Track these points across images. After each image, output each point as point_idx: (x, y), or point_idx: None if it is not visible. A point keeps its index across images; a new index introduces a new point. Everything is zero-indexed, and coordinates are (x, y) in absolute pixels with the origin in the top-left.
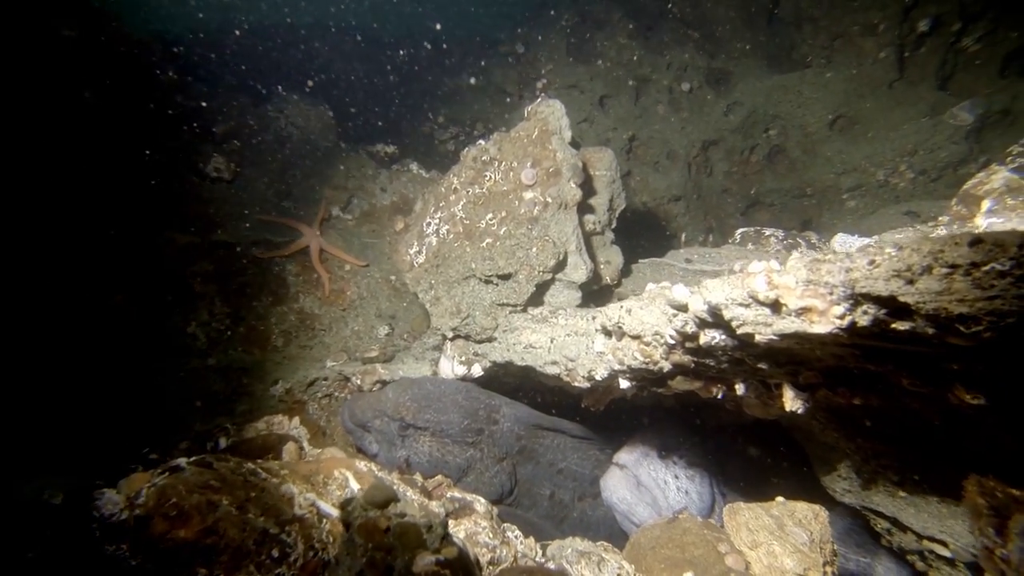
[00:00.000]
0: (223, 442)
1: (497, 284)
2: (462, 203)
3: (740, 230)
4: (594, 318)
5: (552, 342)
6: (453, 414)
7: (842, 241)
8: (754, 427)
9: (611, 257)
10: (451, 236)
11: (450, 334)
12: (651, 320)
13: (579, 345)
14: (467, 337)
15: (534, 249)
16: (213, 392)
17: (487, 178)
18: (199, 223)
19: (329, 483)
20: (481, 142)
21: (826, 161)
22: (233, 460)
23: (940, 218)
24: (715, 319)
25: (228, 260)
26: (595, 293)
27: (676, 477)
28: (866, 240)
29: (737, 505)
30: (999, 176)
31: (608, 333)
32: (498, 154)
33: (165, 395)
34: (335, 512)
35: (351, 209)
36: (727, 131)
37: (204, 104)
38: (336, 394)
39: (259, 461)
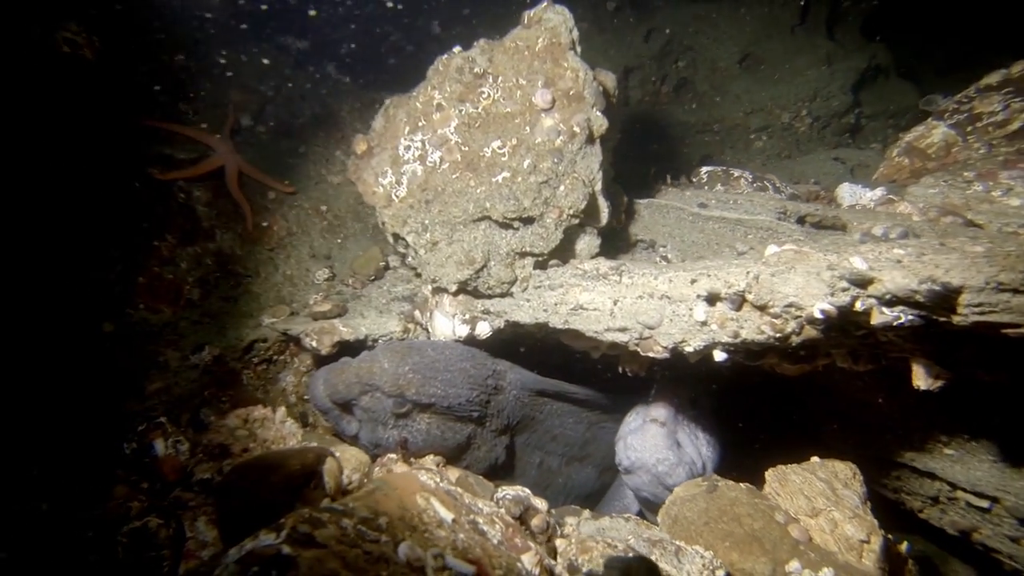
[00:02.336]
0: (161, 447)
1: (518, 229)
2: (453, 124)
3: (706, 169)
4: (693, 281)
5: (616, 305)
6: (462, 386)
7: (851, 191)
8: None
9: (617, 197)
10: (446, 165)
11: (453, 287)
12: (787, 290)
13: (660, 310)
14: (474, 292)
15: (562, 188)
16: (113, 370)
17: (483, 95)
18: (56, 128)
19: (425, 519)
20: (458, 48)
21: (735, 99)
22: (329, 519)
23: (882, 169)
24: (935, 300)
25: (110, 183)
26: (607, 239)
27: (705, 430)
28: (878, 192)
29: (782, 469)
30: (939, 131)
31: (712, 300)
32: (490, 67)
33: (35, 385)
34: (469, 568)
35: (264, 119)
36: (646, 58)
37: None
38: (276, 358)
39: (341, 509)
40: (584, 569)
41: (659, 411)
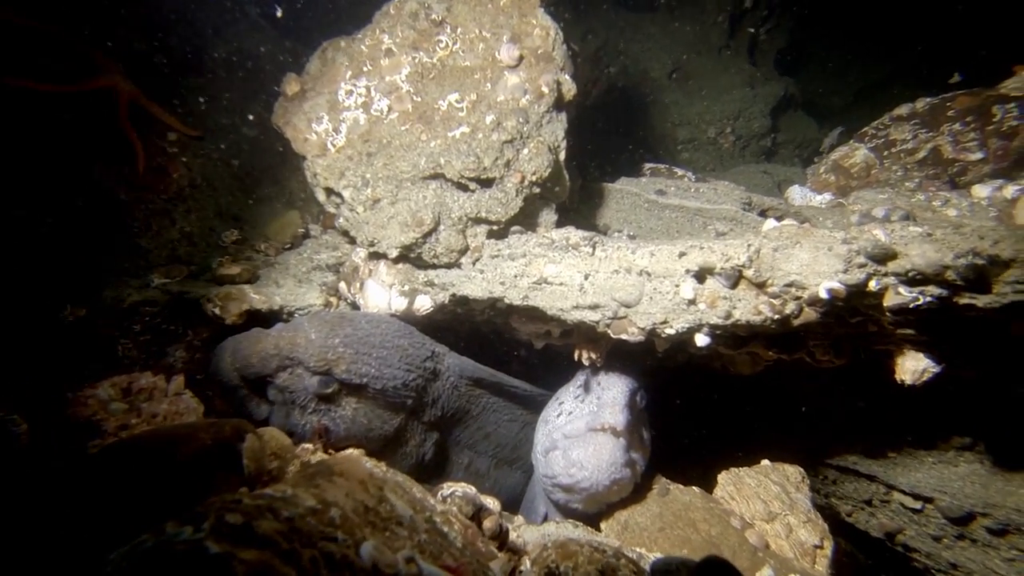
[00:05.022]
0: None
1: (474, 191)
2: (405, 72)
3: (648, 165)
4: (682, 254)
5: (588, 279)
6: (399, 367)
7: (801, 193)
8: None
9: (573, 174)
10: (394, 115)
11: (394, 253)
12: (790, 267)
13: (639, 287)
14: (417, 260)
15: (526, 151)
16: None
17: (440, 44)
18: None
19: (383, 514)
20: None
21: (664, 109)
22: (267, 507)
23: (810, 184)
24: (971, 276)
25: None
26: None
27: (647, 430)
28: (826, 196)
29: (736, 472)
30: (860, 152)
31: (701, 277)
32: (448, 15)
33: None
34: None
35: (166, 47)
36: (581, 58)
37: None
38: (165, 327)
39: (281, 496)
40: None
41: (615, 415)
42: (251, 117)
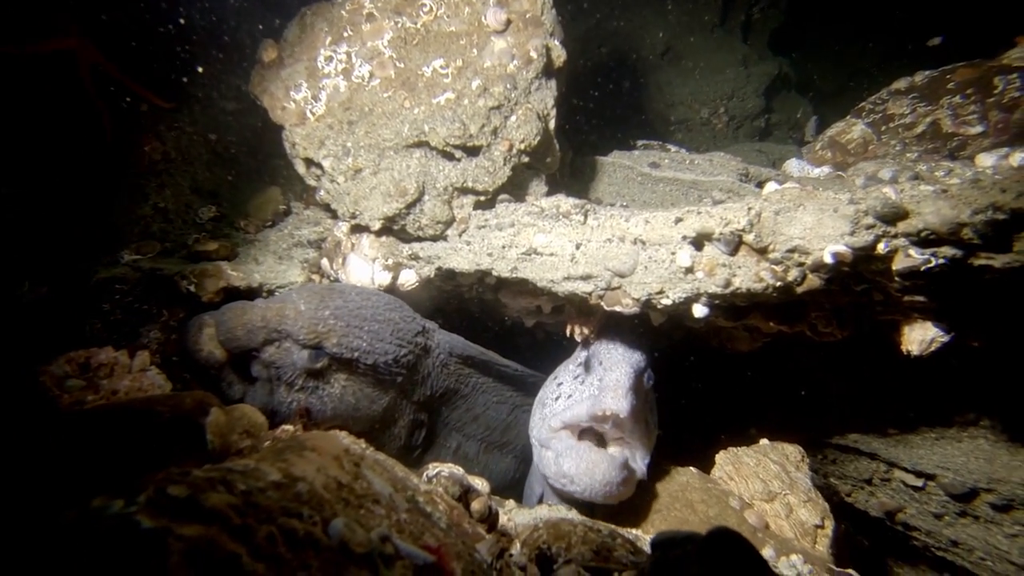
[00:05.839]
0: None
1: (459, 160)
2: (387, 37)
3: (641, 141)
4: (678, 220)
5: (579, 249)
6: (390, 341)
7: (798, 166)
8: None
9: (563, 146)
10: (376, 82)
11: (377, 224)
12: (793, 231)
13: (633, 256)
14: (401, 232)
15: (514, 118)
16: None
17: (424, 9)
18: None
19: (358, 491)
20: None
21: (657, 90)
22: (220, 479)
23: (811, 157)
24: (990, 234)
25: None
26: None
27: (656, 415)
28: (825, 168)
29: (734, 451)
30: (857, 128)
31: (699, 244)
32: None
33: None
34: (427, 556)
35: (135, 10)
36: (570, 39)
37: None
38: (137, 306)
39: (239, 469)
40: (563, 558)
41: (618, 400)
42: (228, 89)
